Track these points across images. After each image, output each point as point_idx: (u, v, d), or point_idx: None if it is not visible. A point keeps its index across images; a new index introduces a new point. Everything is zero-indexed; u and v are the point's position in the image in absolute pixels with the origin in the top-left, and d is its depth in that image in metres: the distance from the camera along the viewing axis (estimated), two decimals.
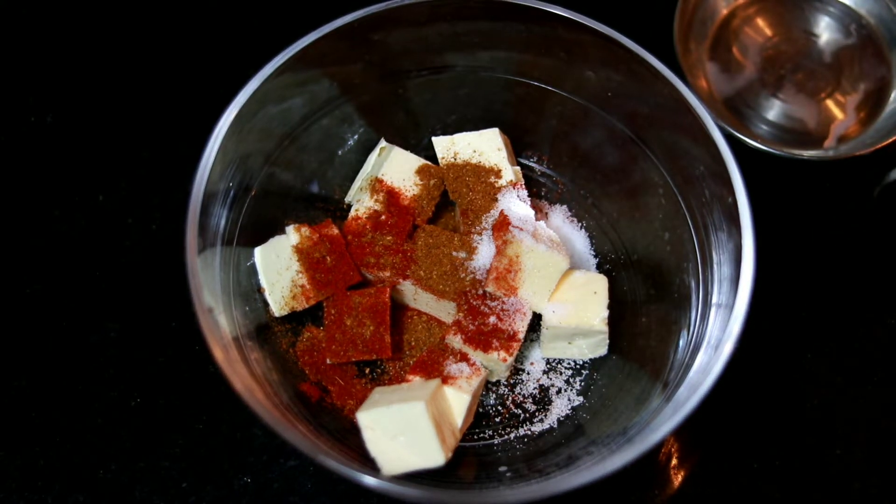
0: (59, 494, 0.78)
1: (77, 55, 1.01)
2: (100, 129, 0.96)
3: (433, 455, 0.68)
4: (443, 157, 0.84)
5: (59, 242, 0.90)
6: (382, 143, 0.87)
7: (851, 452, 0.82)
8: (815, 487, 0.80)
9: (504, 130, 0.85)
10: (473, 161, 0.83)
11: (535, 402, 0.82)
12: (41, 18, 1.02)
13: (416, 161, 0.85)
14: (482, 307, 0.77)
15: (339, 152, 0.88)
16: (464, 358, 0.76)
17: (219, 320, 0.66)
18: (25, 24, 1.02)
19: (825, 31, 1.02)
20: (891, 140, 0.90)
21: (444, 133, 0.85)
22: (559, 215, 0.90)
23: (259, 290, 0.79)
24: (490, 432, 0.80)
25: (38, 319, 0.86)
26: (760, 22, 1.03)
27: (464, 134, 0.84)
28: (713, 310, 0.70)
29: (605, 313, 0.78)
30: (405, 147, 0.86)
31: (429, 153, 0.86)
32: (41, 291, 0.88)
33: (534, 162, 0.92)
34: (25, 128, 0.96)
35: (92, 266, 0.89)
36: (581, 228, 0.90)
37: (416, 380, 0.74)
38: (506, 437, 0.79)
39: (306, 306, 0.79)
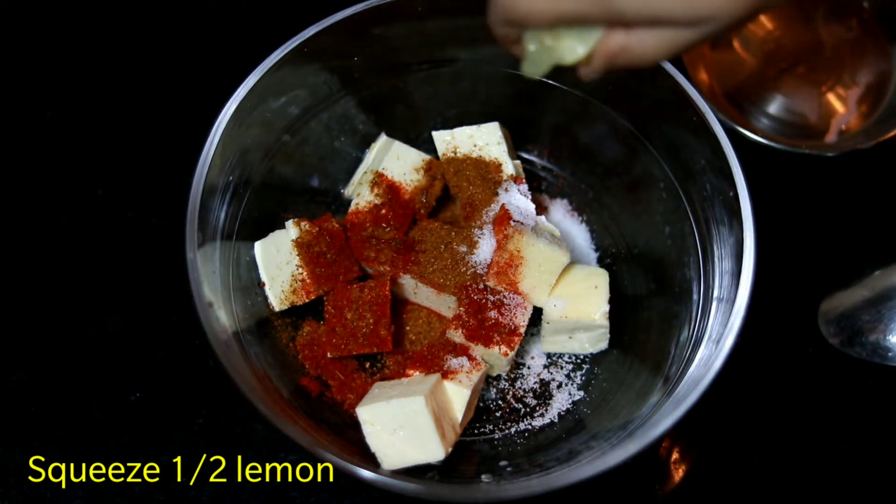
0: (58, 489, 0.78)
1: (76, 49, 1.00)
2: (99, 123, 0.96)
3: (433, 449, 0.68)
4: (443, 152, 0.84)
5: (58, 236, 0.90)
6: (383, 137, 0.86)
7: (852, 448, 0.82)
8: (816, 482, 0.80)
9: (504, 124, 0.85)
10: (474, 155, 0.83)
11: (535, 397, 0.82)
12: (40, 12, 1.02)
13: (416, 155, 0.85)
14: (483, 301, 0.76)
15: (339, 146, 0.88)
16: (464, 352, 0.76)
17: (219, 315, 0.66)
18: (24, 18, 1.01)
19: (826, 24, 1.01)
20: (892, 134, 0.90)
21: (445, 127, 0.85)
22: (560, 209, 0.90)
23: (259, 284, 0.78)
24: (490, 427, 0.80)
25: (38, 313, 0.86)
26: (761, 15, 1.02)
27: (464, 128, 0.83)
28: (714, 304, 0.69)
29: (606, 307, 0.77)
30: (406, 141, 0.86)
31: (429, 147, 0.85)
32: (41, 285, 0.88)
33: (534, 156, 0.92)
34: (25, 122, 0.96)
35: (92, 260, 0.89)
36: (582, 223, 0.90)
37: (416, 374, 0.74)
38: (506, 431, 0.79)
39: (306, 300, 0.79)
